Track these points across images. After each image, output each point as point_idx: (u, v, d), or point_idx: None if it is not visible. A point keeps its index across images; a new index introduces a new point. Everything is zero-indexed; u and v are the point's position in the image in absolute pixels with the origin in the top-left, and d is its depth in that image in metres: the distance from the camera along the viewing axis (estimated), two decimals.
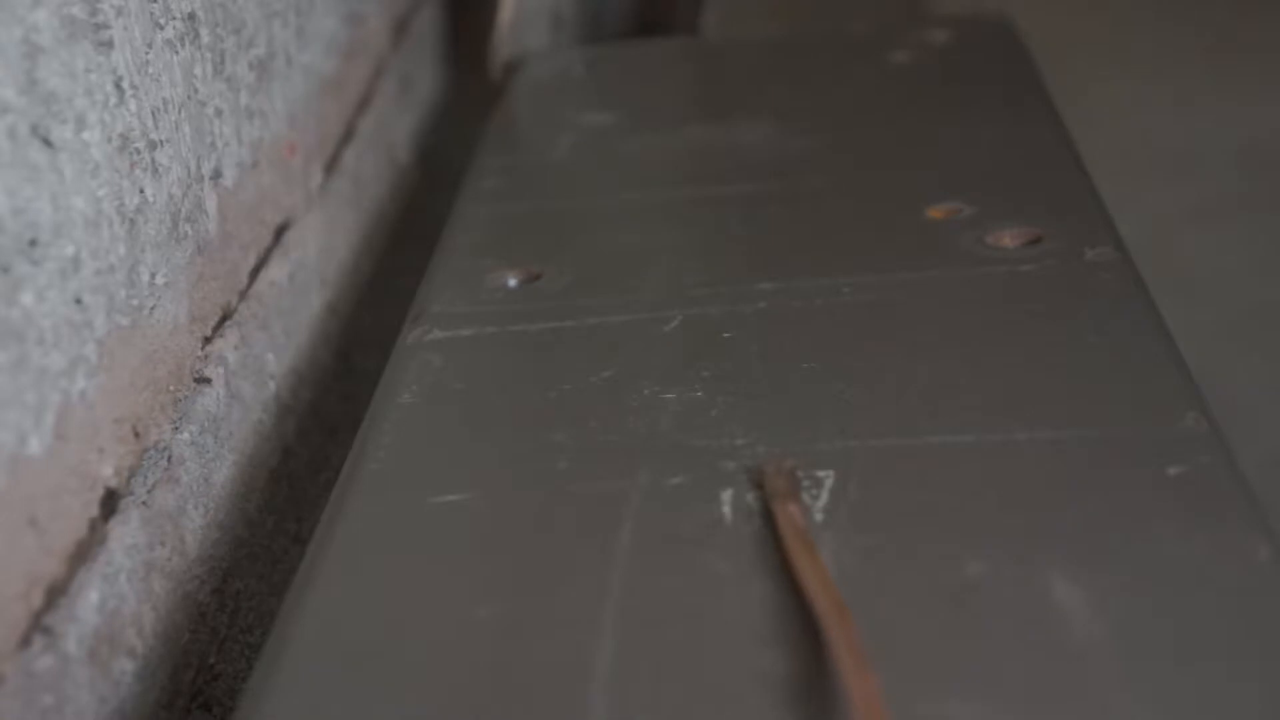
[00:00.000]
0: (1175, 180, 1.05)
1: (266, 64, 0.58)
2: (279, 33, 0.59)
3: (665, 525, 0.40)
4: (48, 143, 0.39)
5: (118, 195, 0.44)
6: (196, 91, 0.50)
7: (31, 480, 0.38)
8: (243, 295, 0.54)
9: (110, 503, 0.43)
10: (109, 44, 0.43)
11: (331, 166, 0.65)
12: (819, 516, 0.39)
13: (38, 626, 0.38)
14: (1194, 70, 1.18)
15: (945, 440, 0.41)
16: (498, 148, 0.66)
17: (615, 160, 0.64)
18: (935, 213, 0.53)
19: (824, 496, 0.40)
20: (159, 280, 0.47)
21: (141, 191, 0.45)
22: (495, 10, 0.77)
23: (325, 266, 0.63)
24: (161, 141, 0.47)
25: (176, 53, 0.49)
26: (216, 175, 0.52)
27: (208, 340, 0.51)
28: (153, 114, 0.46)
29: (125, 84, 0.44)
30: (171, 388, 0.47)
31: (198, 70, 0.50)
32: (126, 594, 0.42)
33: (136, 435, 0.45)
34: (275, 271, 0.57)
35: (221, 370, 0.51)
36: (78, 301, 0.41)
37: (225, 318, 0.52)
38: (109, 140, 0.43)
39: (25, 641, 0.37)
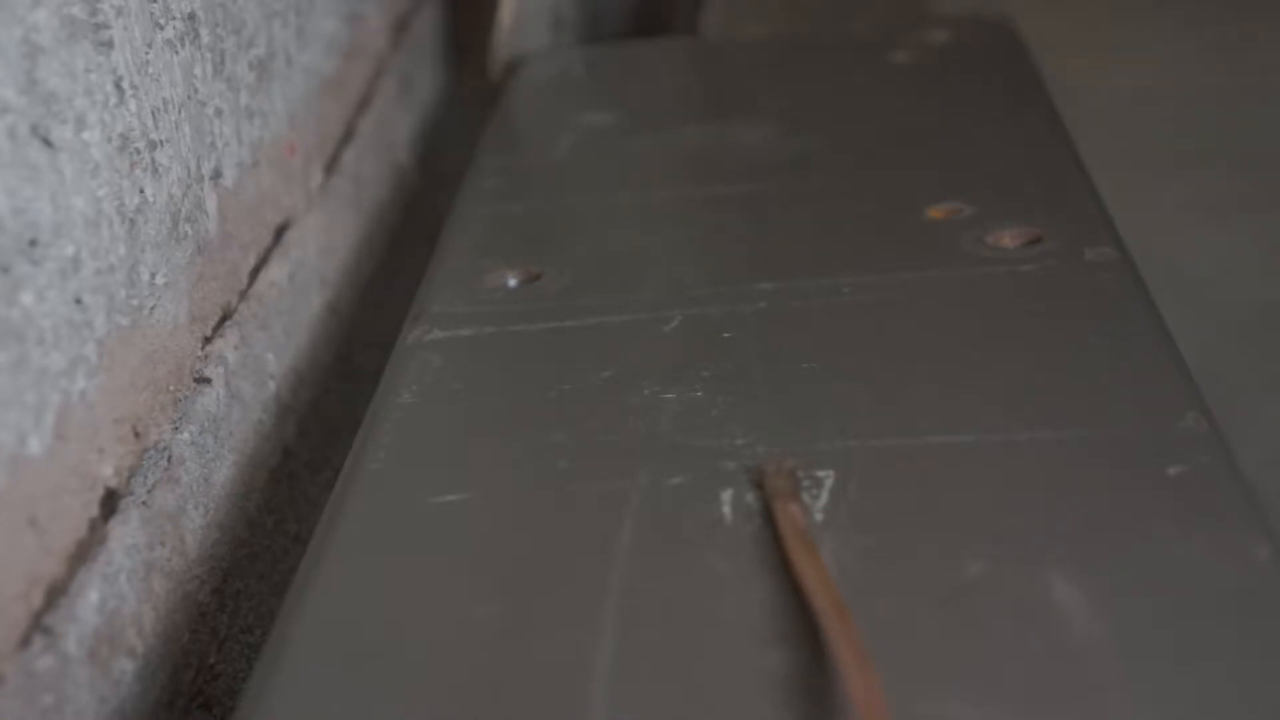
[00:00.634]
0: (1175, 180, 1.05)
1: (266, 64, 0.58)
2: (279, 33, 0.59)
3: (665, 525, 0.40)
4: (48, 143, 0.39)
5: (118, 195, 0.44)
6: (196, 91, 0.50)
7: (31, 480, 0.38)
8: (243, 295, 0.54)
9: (110, 503, 0.43)
10: (109, 44, 0.43)
11: (331, 166, 0.65)
12: (819, 516, 0.39)
13: (38, 626, 0.38)
14: (1194, 69, 1.18)
15: (945, 440, 0.41)
16: (498, 148, 0.66)
17: (615, 160, 0.64)
18: (935, 213, 0.53)
19: (824, 496, 0.40)
20: (159, 280, 0.47)
21: (141, 191, 0.45)
22: (495, 10, 0.77)
23: (325, 266, 0.63)
24: (161, 141, 0.47)
25: (176, 53, 0.49)
26: (216, 175, 0.52)
27: (208, 340, 0.51)
28: (153, 114, 0.46)
29: (125, 84, 0.44)
30: (171, 388, 0.47)
31: (198, 70, 0.50)
32: (126, 594, 0.42)
33: (136, 435, 0.45)
34: (275, 271, 0.57)
35: (221, 370, 0.51)
36: (78, 301, 0.41)
37: (225, 318, 0.52)
38: (109, 140, 0.43)
39: (25, 641, 0.37)
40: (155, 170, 0.47)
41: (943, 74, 0.67)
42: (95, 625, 0.40)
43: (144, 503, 0.44)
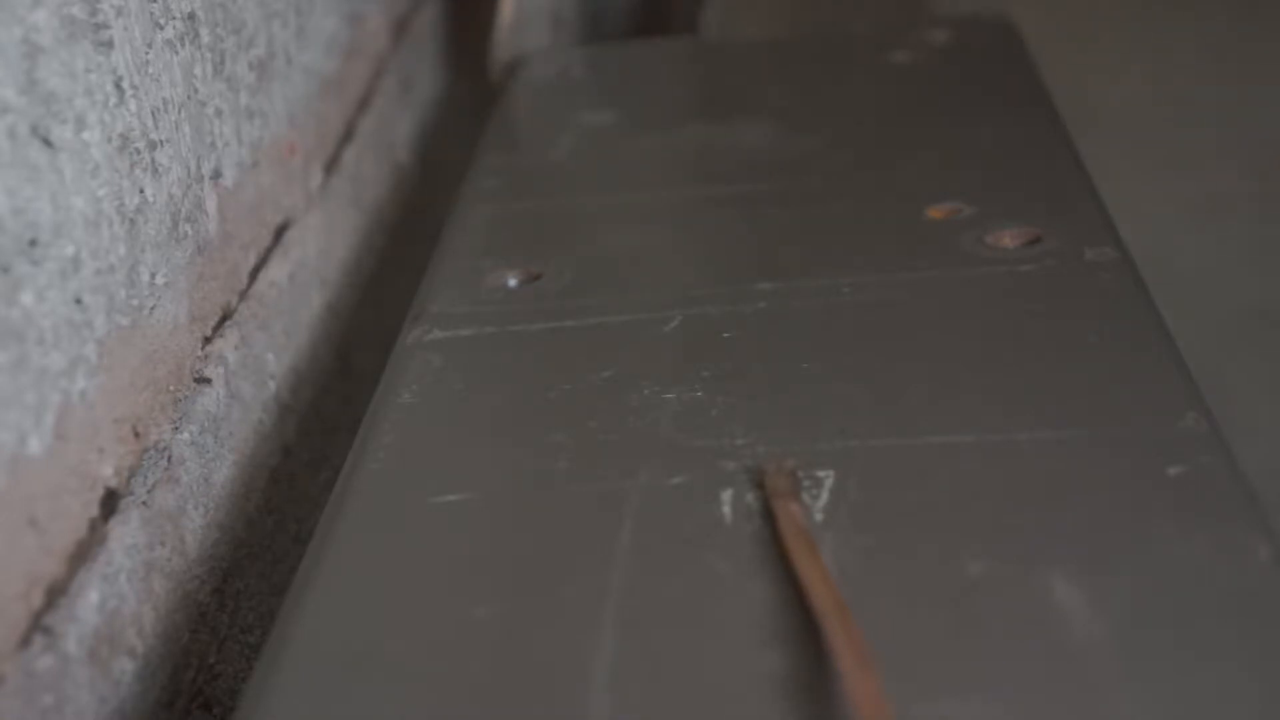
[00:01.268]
0: (1175, 180, 1.05)
1: (266, 64, 0.58)
2: (279, 33, 0.59)
3: (665, 525, 0.40)
4: (48, 143, 0.39)
5: (118, 195, 0.44)
6: (196, 91, 0.50)
7: (31, 480, 0.38)
8: (243, 295, 0.54)
9: (110, 503, 0.43)
10: (109, 44, 0.43)
11: (331, 166, 0.65)
12: (819, 516, 0.39)
13: (38, 626, 0.38)
14: (1194, 70, 1.18)
15: (945, 440, 0.41)
16: (498, 148, 0.66)
17: (615, 160, 0.64)
18: (935, 213, 0.53)
19: (824, 496, 0.40)
20: (159, 280, 0.47)
21: (141, 191, 0.45)
22: (495, 10, 0.77)
23: (325, 266, 0.63)
24: (161, 141, 0.47)
25: (176, 53, 0.49)
26: (216, 175, 0.52)
27: (208, 340, 0.51)
28: (153, 114, 0.46)
29: (125, 84, 0.44)
30: (171, 388, 0.47)
31: (198, 70, 0.50)
32: (126, 594, 0.42)
33: (136, 435, 0.45)
34: (275, 271, 0.57)
35: (221, 370, 0.51)
36: (78, 301, 0.41)
37: (225, 318, 0.52)
38: (109, 140, 0.43)
39: (25, 641, 0.37)
40: (155, 170, 0.47)
41: (943, 74, 0.67)
42: (95, 625, 0.40)
43: (144, 503, 0.44)
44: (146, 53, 0.46)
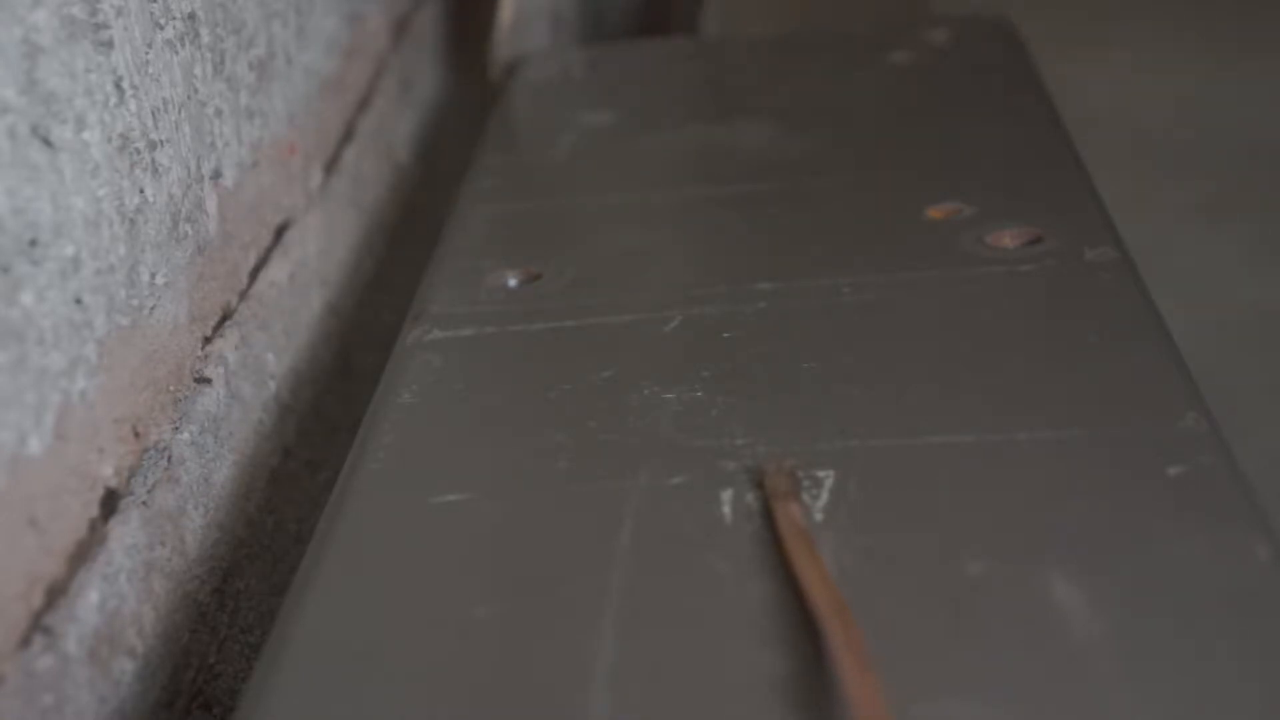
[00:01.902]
0: (1175, 180, 1.05)
1: (266, 64, 0.58)
2: (279, 33, 0.59)
3: (665, 525, 0.40)
4: (48, 143, 0.39)
5: (118, 195, 0.44)
6: (196, 91, 0.50)
7: (31, 480, 0.38)
8: (243, 295, 0.54)
9: (110, 503, 0.43)
10: (109, 44, 0.43)
11: (331, 166, 0.65)
12: (819, 516, 0.39)
13: (38, 626, 0.38)
14: (1194, 70, 1.18)
15: (945, 440, 0.41)
16: (498, 148, 0.66)
17: (615, 160, 0.64)
18: (935, 213, 0.53)
19: (824, 496, 0.40)
20: (159, 280, 0.47)
21: (141, 191, 0.45)
22: (495, 10, 0.77)
23: (325, 266, 0.63)
24: (161, 141, 0.47)
25: (176, 53, 0.49)
26: (216, 175, 0.52)
27: (208, 340, 0.51)
28: (153, 114, 0.46)
29: (125, 84, 0.44)
30: (171, 388, 0.47)
31: (198, 70, 0.50)
32: (126, 594, 0.42)
33: (136, 435, 0.45)
34: (275, 271, 0.57)
35: (221, 370, 0.51)
36: (78, 301, 0.41)
37: (225, 318, 0.52)
38: (109, 140, 0.43)
39: (25, 641, 0.37)
40: (155, 170, 0.47)
41: (943, 74, 0.67)
42: (95, 625, 0.40)
43: (144, 503, 0.44)
44: (146, 53, 0.46)
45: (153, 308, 0.46)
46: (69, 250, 0.40)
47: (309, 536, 0.43)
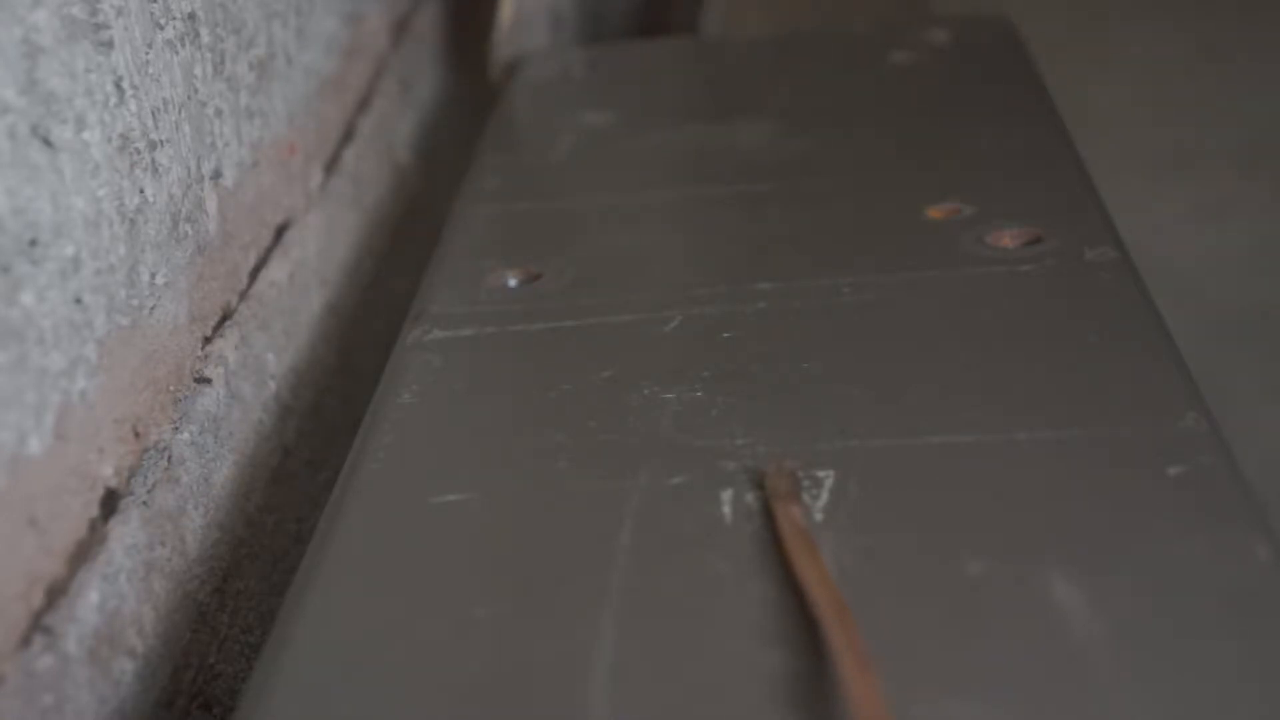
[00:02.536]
0: (1175, 180, 1.05)
1: (266, 64, 0.58)
2: (279, 33, 0.59)
3: (665, 525, 0.40)
4: (48, 143, 0.39)
5: (118, 195, 0.44)
6: (196, 91, 0.50)
7: (31, 480, 0.38)
8: (243, 295, 0.54)
9: (110, 503, 0.43)
10: (109, 44, 0.43)
11: (331, 166, 0.65)
12: (819, 516, 0.39)
13: (38, 626, 0.38)
14: (1194, 70, 1.18)
15: (945, 440, 0.41)
16: (498, 148, 0.66)
17: (615, 160, 0.64)
18: (935, 213, 0.53)
19: (824, 496, 0.40)
20: (159, 280, 0.47)
21: (141, 191, 0.45)
22: (495, 10, 0.77)
23: (325, 266, 0.63)
24: (161, 141, 0.47)
25: (176, 53, 0.49)
26: (216, 175, 0.52)
27: (208, 340, 0.51)
28: (153, 114, 0.46)
29: (125, 84, 0.44)
30: (171, 388, 0.47)
31: (198, 70, 0.50)
32: (126, 594, 0.42)
33: (136, 435, 0.45)
34: (275, 271, 0.57)
35: (221, 370, 0.51)
36: (78, 301, 0.41)
37: (225, 318, 0.52)
38: (109, 140, 0.43)
39: (25, 641, 0.37)
40: (155, 170, 0.47)
41: (943, 74, 0.67)
42: (95, 625, 0.40)
43: (144, 503, 0.44)
44: (146, 53, 0.46)
45: (153, 308, 0.46)
46: (69, 250, 0.40)
47: (309, 536, 0.43)
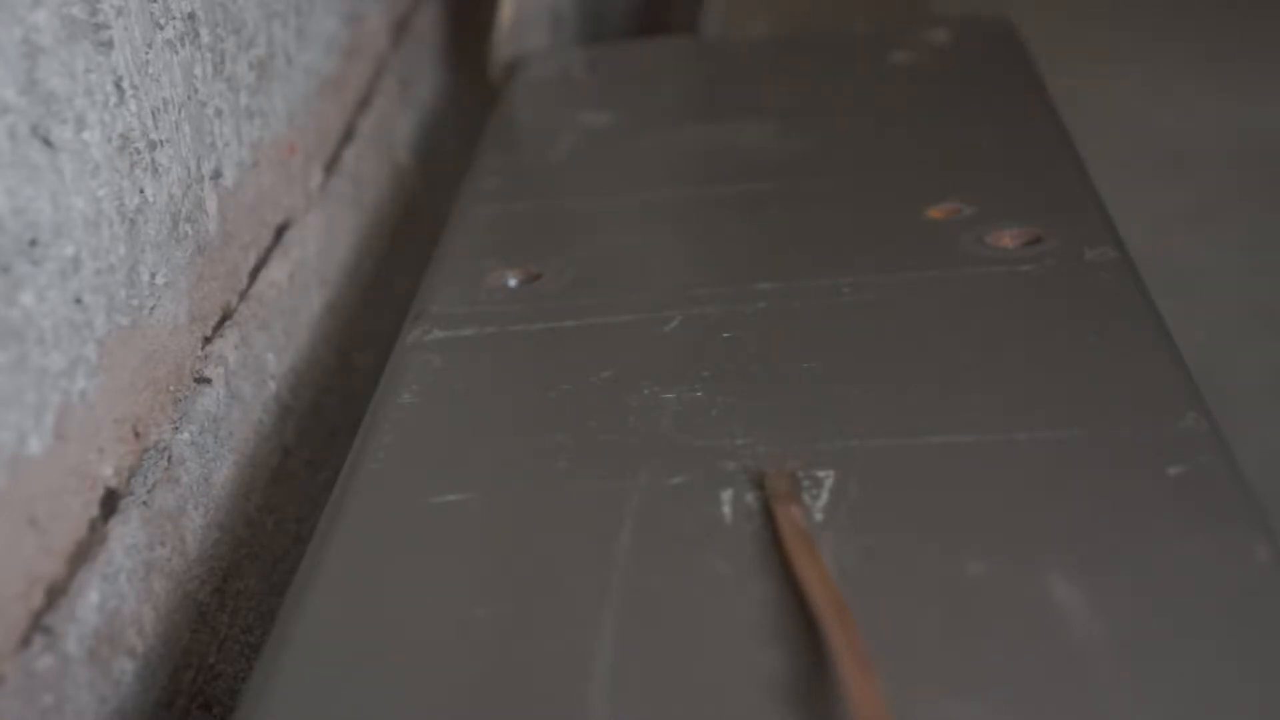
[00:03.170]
0: (1175, 180, 1.05)
1: (266, 64, 0.58)
2: (279, 33, 0.59)
3: (665, 525, 0.40)
4: (48, 143, 0.39)
5: (118, 195, 0.44)
6: (196, 91, 0.50)
7: (31, 480, 0.38)
8: (243, 295, 0.54)
9: (110, 503, 0.43)
10: (109, 44, 0.43)
11: (331, 166, 0.65)
12: (819, 516, 0.39)
13: (38, 626, 0.38)
14: (1193, 70, 1.18)
15: (945, 440, 0.41)
16: (498, 148, 0.66)
17: (615, 160, 0.64)
18: (935, 213, 0.53)
19: (824, 496, 0.40)
20: (159, 280, 0.47)
21: (141, 191, 0.46)
22: (495, 10, 0.77)
23: (325, 266, 0.63)
24: (161, 141, 0.47)
25: (176, 53, 0.49)
26: (216, 175, 0.52)
27: (208, 340, 0.51)
28: (153, 114, 0.46)
29: (125, 84, 0.44)
30: (171, 388, 0.47)
31: (198, 70, 0.50)
32: (126, 594, 0.42)
33: (136, 435, 0.45)
34: (275, 271, 0.57)
35: (221, 370, 0.51)
36: (78, 301, 0.41)
37: (225, 318, 0.52)
38: (109, 140, 0.43)
39: (25, 641, 0.37)
40: (155, 170, 0.47)
41: (943, 74, 0.67)
42: (95, 625, 0.40)
43: (144, 503, 0.44)
44: (146, 53, 0.46)
45: (153, 308, 0.46)
46: (69, 250, 0.40)
47: (309, 536, 0.43)
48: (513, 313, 0.51)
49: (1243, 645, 0.34)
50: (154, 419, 0.46)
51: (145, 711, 0.43)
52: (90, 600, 0.40)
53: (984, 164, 0.57)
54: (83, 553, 0.41)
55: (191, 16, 0.50)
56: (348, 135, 0.68)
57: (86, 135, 0.42)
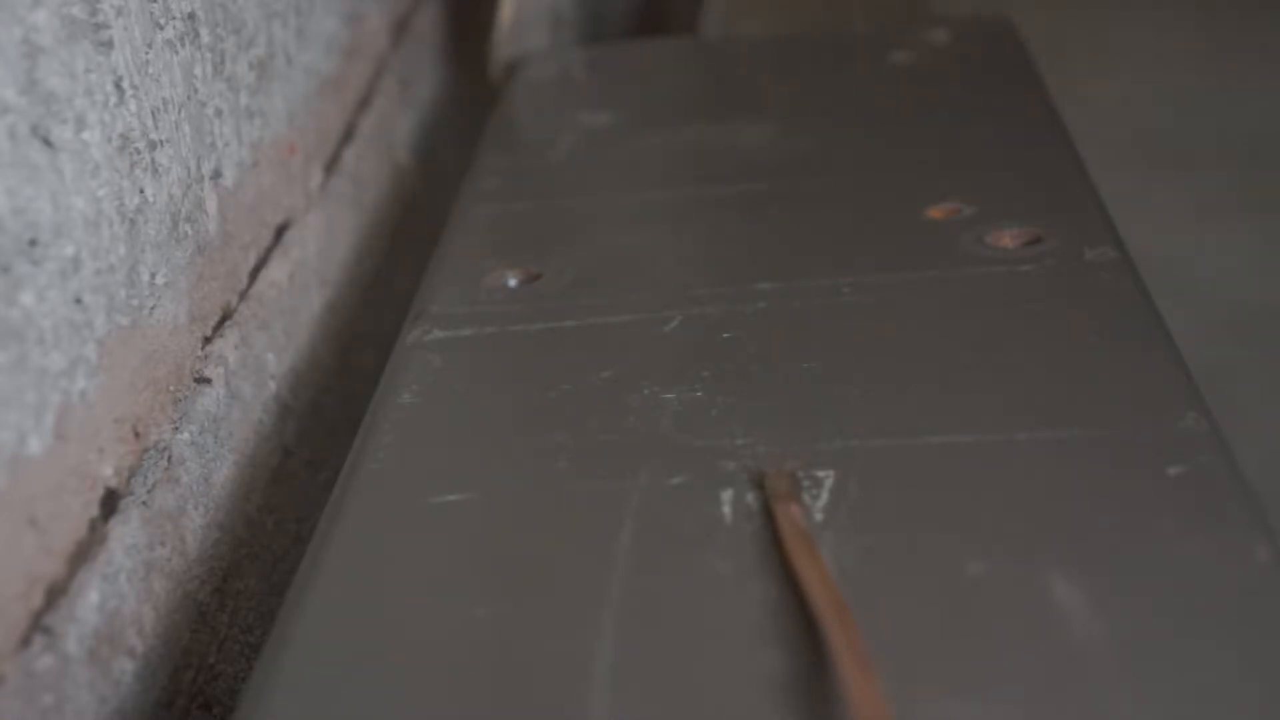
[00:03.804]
0: (1175, 180, 1.05)
1: (266, 64, 0.58)
2: (279, 33, 0.59)
3: (665, 525, 0.40)
4: (48, 143, 0.39)
5: (118, 195, 0.44)
6: (196, 91, 0.50)
7: (31, 480, 0.38)
8: (243, 295, 0.54)
9: (110, 503, 0.43)
10: (109, 44, 0.43)
11: (331, 166, 0.65)
12: (819, 516, 0.39)
13: (38, 626, 0.38)
14: (1194, 70, 1.18)
15: (945, 440, 0.41)
16: (498, 148, 0.66)
17: (615, 160, 0.64)
18: (935, 213, 0.53)
19: (824, 496, 0.40)
20: (159, 280, 0.47)
21: (141, 191, 0.45)
22: (495, 10, 0.77)
23: (325, 266, 0.63)
24: (161, 141, 0.47)
25: (176, 53, 0.49)
26: (216, 175, 0.52)
27: (208, 340, 0.51)
28: (153, 114, 0.46)
29: (125, 84, 0.44)
30: (171, 388, 0.47)
31: (198, 70, 0.50)
32: (126, 594, 0.42)
33: (136, 435, 0.45)
34: (275, 271, 0.57)
35: (221, 370, 0.51)
36: (78, 301, 0.41)
37: (225, 318, 0.52)
38: (109, 140, 0.43)
39: (25, 641, 0.37)
40: (155, 170, 0.47)
41: (943, 74, 0.67)
42: (95, 625, 0.40)
43: (144, 503, 0.44)
44: (146, 53, 0.46)
45: (153, 308, 0.46)
46: (69, 250, 0.40)
47: (309, 536, 0.43)
48: (513, 313, 0.51)
49: (1243, 645, 0.34)
50: (154, 419, 0.46)
51: (145, 711, 0.43)
52: (90, 600, 0.40)
53: (984, 164, 0.57)
54: (83, 553, 0.41)
55: (191, 16, 0.50)
56: (348, 135, 0.68)
57: (86, 135, 0.42)
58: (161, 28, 0.47)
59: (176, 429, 0.47)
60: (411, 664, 0.37)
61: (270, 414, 0.55)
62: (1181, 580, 0.35)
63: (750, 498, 0.40)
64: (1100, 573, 0.36)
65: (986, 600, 0.36)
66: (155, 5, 0.47)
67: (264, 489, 0.54)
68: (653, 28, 1.03)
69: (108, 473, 0.43)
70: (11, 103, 0.38)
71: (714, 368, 0.46)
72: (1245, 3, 1.23)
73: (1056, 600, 0.35)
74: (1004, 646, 0.34)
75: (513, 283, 0.53)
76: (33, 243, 0.39)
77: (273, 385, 0.56)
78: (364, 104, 0.71)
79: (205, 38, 0.51)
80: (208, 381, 0.50)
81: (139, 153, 0.45)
